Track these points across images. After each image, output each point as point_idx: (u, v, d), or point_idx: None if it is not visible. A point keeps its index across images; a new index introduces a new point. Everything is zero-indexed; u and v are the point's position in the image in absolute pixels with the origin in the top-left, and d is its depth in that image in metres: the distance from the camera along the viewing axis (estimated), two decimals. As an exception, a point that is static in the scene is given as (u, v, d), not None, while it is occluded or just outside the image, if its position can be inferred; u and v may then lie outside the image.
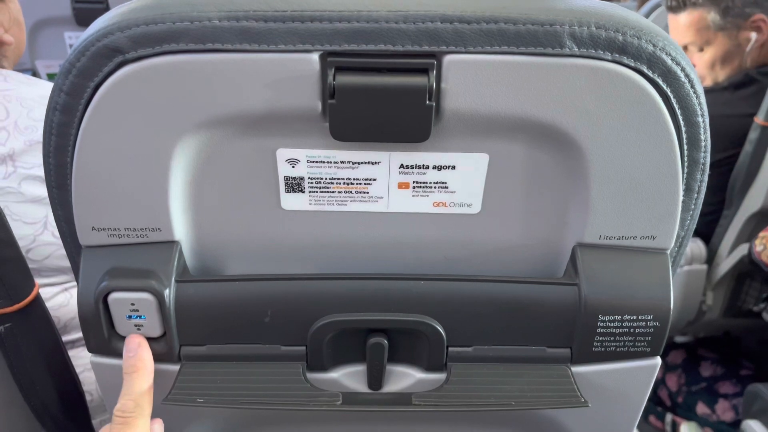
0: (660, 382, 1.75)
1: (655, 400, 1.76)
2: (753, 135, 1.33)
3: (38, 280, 0.85)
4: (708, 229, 1.49)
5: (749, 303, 1.53)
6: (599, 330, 0.46)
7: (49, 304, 0.86)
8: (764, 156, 1.34)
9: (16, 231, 0.81)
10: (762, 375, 1.62)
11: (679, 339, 1.80)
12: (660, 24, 1.93)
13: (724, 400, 1.61)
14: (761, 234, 1.25)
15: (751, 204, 1.38)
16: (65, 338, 0.89)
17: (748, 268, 1.41)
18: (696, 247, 1.48)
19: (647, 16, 1.90)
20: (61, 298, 0.89)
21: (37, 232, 0.84)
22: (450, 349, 0.47)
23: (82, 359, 0.88)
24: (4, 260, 0.54)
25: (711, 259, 1.49)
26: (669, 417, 1.68)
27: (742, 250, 1.39)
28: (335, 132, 0.40)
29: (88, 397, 0.83)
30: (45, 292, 0.87)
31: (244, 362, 0.47)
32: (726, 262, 1.45)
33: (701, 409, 1.63)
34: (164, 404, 0.45)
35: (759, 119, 1.31)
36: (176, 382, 0.46)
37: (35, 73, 1.55)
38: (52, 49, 1.56)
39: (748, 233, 1.40)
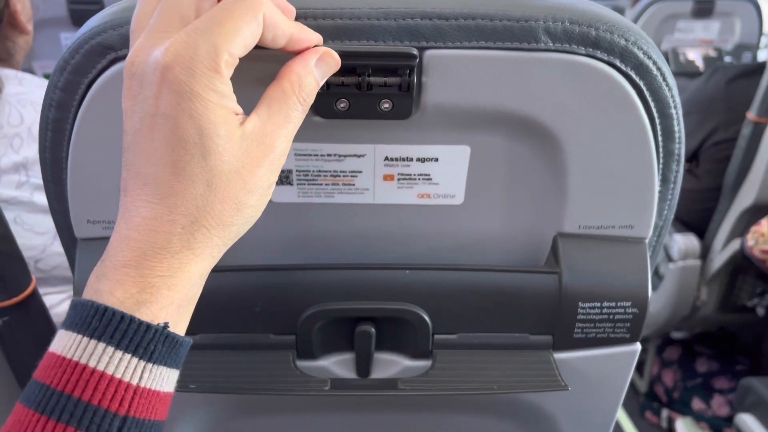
0: (656, 378, 1.76)
1: (651, 395, 1.77)
2: (746, 131, 1.34)
3: (44, 290, 0.86)
4: (702, 224, 1.50)
5: (743, 298, 1.54)
6: (580, 317, 0.47)
7: (55, 311, 0.87)
8: (756, 151, 1.35)
9: (27, 241, 0.82)
10: (757, 370, 1.63)
11: (675, 335, 1.81)
12: (652, 23, 1.94)
13: (720, 395, 1.62)
14: (753, 228, 1.26)
15: (744, 199, 1.39)
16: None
17: (742, 263, 1.42)
18: (690, 242, 1.49)
19: (640, 14, 1.91)
20: (66, 306, 0.90)
21: (47, 242, 0.84)
22: (435, 336, 0.49)
23: None
24: (2, 255, 0.55)
25: (705, 254, 1.50)
26: (665, 412, 1.70)
27: (736, 245, 1.41)
28: (321, 111, 0.41)
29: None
30: (50, 300, 0.88)
31: (235, 351, 0.49)
32: (720, 257, 1.46)
33: (697, 404, 1.64)
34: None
35: (751, 115, 1.32)
36: None
37: (32, 74, 1.57)
38: (48, 49, 1.57)
39: (742, 228, 1.42)
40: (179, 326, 0.32)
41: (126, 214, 0.31)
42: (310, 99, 0.35)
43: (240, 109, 0.33)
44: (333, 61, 0.36)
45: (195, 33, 0.30)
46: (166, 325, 0.31)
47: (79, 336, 0.29)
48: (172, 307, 0.31)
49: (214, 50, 0.30)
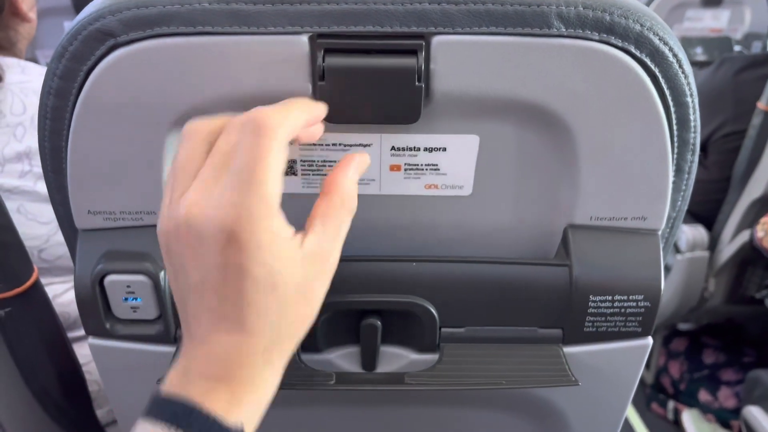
0: (662, 370, 1.75)
1: (657, 387, 1.76)
2: (756, 120, 1.33)
3: (48, 280, 0.86)
4: (710, 215, 1.49)
5: (751, 290, 1.53)
6: (590, 310, 0.46)
7: (58, 301, 0.87)
8: (767, 142, 1.33)
9: (30, 231, 0.82)
10: (764, 362, 1.62)
11: (682, 326, 1.80)
12: (661, 12, 1.92)
13: (727, 387, 1.61)
14: (763, 220, 1.25)
15: (753, 190, 1.38)
16: (74, 334, 0.90)
17: (751, 254, 1.41)
18: (698, 233, 1.48)
19: (648, 3, 1.89)
20: (69, 295, 0.89)
21: (50, 232, 0.84)
22: (442, 330, 0.48)
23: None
24: (4, 245, 0.55)
25: (713, 245, 1.49)
26: (671, 404, 1.69)
27: (745, 236, 1.39)
28: (326, 114, 0.40)
29: (95, 387, 0.84)
30: (54, 290, 0.88)
31: (239, 344, 0.48)
32: (728, 249, 1.45)
33: (703, 396, 1.63)
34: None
35: (762, 104, 1.30)
36: (172, 363, 0.47)
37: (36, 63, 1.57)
38: (51, 38, 1.57)
39: (751, 219, 1.40)
40: (252, 424, 0.36)
41: (205, 340, 0.35)
42: (355, 204, 0.38)
43: (291, 227, 0.35)
44: (366, 164, 0.40)
45: (244, 191, 0.32)
46: (242, 428, 0.34)
47: (173, 429, 0.33)
48: (253, 411, 0.36)
49: (266, 200, 0.33)
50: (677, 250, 1.50)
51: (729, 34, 2.00)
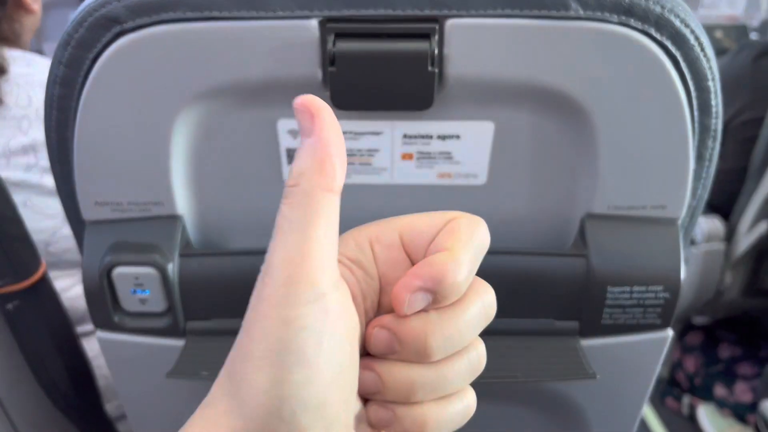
0: (677, 364, 1.73)
1: (672, 381, 1.74)
2: (774, 110, 1.30)
3: (55, 273, 0.86)
4: (727, 206, 1.47)
5: (769, 282, 1.50)
6: (608, 302, 0.45)
7: (65, 295, 0.87)
8: (786, 131, 1.31)
9: (37, 224, 0.81)
10: (781, 355, 1.60)
11: (697, 320, 1.78)
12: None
13: (743, 382, 1.59)
14: (781, 211, 1.22)
15: (771, 181, 1.35)
16: (82, 329, 0.90)
17: (768, 246, 1.39)
18: (714, 225, 1.45)
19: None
20: (77, 290, 0.89)
21: (57, 225, 0.84)
22: (456, 322, 0.47)
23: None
24: (11, 238, 0.55)
25: (730, 237, 1.46)
26: (686, 399, 1.67)
27: (762, 227, 1.37)
28: (336, 101, 0.39)
29: (104, 382, 0.84)
30: (61, 284, 0.88)
31: (249, 337, 0.47)
32: (745, 240, 1.42)
33: (719, 390, 1.61)
34: (169, 378, 0.45)
35: (779, 94, 1.28)
36: (181, 357, 0.46)
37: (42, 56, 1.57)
38: (57, 31, 1.57)
39: (768, 211, 1.38)
40: None
41: None
42: None
43: None
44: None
45: None
46: None
47: None
48: None
49: None
50: (692, 241, 1.48)
51: (745, 22, 1.96)
